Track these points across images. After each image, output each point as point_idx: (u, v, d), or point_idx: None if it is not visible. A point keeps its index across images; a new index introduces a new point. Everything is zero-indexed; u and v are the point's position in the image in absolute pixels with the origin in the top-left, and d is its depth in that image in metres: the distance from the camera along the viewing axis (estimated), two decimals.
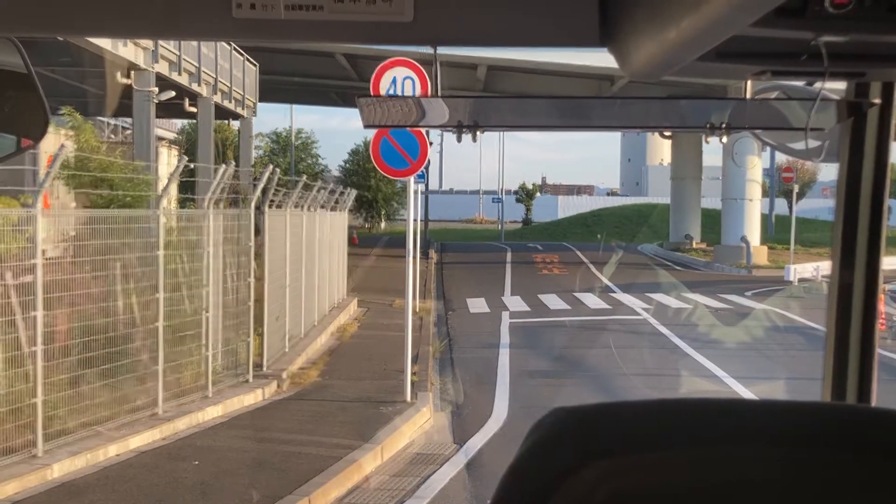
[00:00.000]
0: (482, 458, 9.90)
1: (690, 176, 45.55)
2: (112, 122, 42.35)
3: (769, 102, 1.69)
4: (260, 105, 33.91)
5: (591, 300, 24.12)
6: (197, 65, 24.42)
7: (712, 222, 43.06)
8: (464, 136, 1.72)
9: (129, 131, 35.19)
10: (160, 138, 32.41)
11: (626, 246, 45.35)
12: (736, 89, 1.77)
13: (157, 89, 21.37)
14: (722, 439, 0.86)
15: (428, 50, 1.58)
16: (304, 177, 18.59)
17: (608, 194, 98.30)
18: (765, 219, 43.96)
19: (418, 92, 11.59)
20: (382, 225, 59.96)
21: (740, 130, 1.83)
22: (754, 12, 0.95)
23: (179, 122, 45.88)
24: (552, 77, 37.29)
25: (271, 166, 13.87)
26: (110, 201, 13.48)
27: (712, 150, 66.36)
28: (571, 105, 1.91)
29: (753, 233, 37.67)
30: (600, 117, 1.96)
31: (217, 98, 27.37)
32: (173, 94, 23.33)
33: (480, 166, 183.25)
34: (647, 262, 38.01)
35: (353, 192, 27.51)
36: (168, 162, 28.13)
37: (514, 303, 23.85)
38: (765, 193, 47.06)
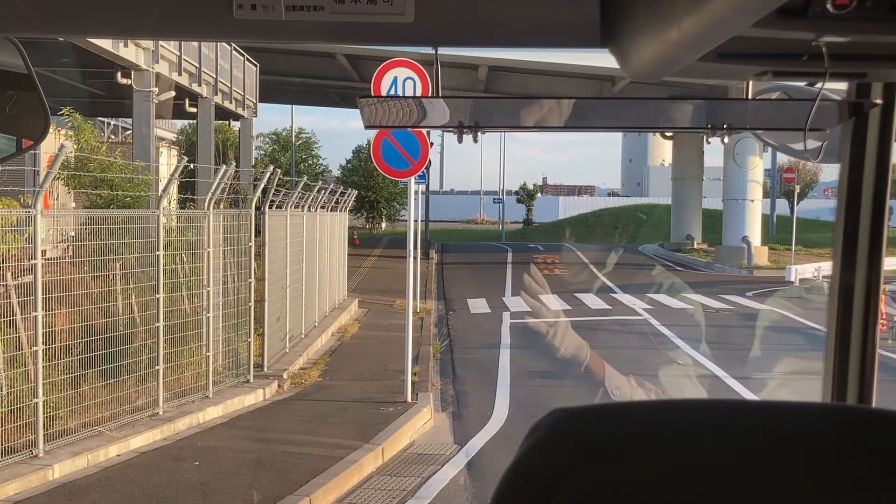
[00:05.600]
0: (483, 459, 9.90)
1: (691, 176, 45.54)
2: (112, 122, 42.37)
3: (770, 103, 1.69)
4: (260, 105, 33.91)
5: (592, 300, 24.12)
6: (197, 65, 24.42)
7: (713, 223, 43.07)
8: (464, 136, 1.72)
9: (128, 131, 35.20)
10: (160, 139, 32.40)
11: (627, 246, 45.37)
12: (737, 90, 1.77)
13: (157, 89, 21.36)
14: (722, 440, 0.86)
15: (429, 50, 1.58)
16: (305, 177, 18.59)
17: (609, 195, 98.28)
18: (766, 219, 43.98)
19: (419, 92, 11.59)
20: (383, 225, 59.98)
21: (741, 131, 1.82)
22: (755, 13, 0.95)
23: (179, 123, 45.88)
24: (553, 77, 37.28)
25: (271, 167, 13.87)
26: (110, 201, 13.48)
27: (713, 150, 66.39)
28: (572, 105, 1.90)
29: (754, 233, 37.67)
30: (601, 118, 1.96)
31: (217, 98, 27.36)
32: (173, 94, 23.32)
33: (481, 167, 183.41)
34: (647, 262, 38.02)
35: (354, 193, 27.52)
36: (168, 162, 28.14)
37: (515, 303, 23.84)
38: (766, 194, 47.08)
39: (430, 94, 1.79)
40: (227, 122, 40.63)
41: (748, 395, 12.15)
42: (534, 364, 15.55)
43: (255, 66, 32.24)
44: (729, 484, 0.83)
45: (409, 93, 11.53)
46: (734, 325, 20.46)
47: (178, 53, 22.73)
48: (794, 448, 0.85)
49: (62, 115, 15.23)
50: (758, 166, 39.03)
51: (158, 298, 10.94)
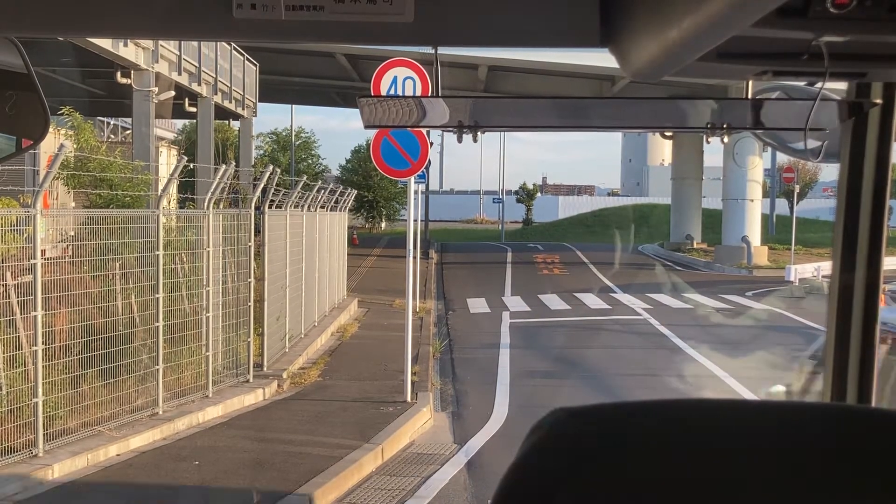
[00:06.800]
0: (482, 459, 9.89)
1: (691, 176, 45.52)
2: (112, 121, 42.37)
3: (770, 103, 1.69)
4: (260, 105, 33.89)
5: (592, 300, 24.12)
6: (197, 65, 24.42)
7: (713, 222, 43.06)
8: (464, 136, 1.72)
9: (128, 131, 35.19)
10: (160, 138, 32.40)
11: (627, 246, 45.38)
12: (737, 89, 1.77)
13: (156, 89, 21.37)
14: (721, 439, 0.86)
15: (428, 50, 1.59)
16: (304, 177, 18.61)
17: (609, 194, 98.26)
18: (765, 219, 43.96)
19: (419, 92, 11.59)
20: (383, 225, 59.97)
21: (741, 130, 1.83)
22: (755, 12, 0.95)
23: (179, 123, 45.87)
24: (553, 77, 37.26)
25: (271, 166, 13.87)
26: (110, 201, 13.48)
27: (713, 150, 66.37)
28: (572, 105, 1.91)
29: (754, 233, 37.66)
30: (601, 117, 1.96)
31: (217, 98, 27.35)
32: (173, 94, 23.32)
33: (481, 167, 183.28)
34: (647, 262, 38.01)
35: (353, 193, 27.53)
36: (168, 162, 28.12)
37: (515, 303, 23.84)
38: (765, 194, 47.05)
39: (429, 94, 1.79)
40: (227, 122, 40.61)
41: (748, 395, 12.15)
42: (533, 364, 15.56)
43: (255, 65, 32.23)
44: (729, 483, 0.83)
45: (409, 92, 11.53)
46: (734, 325, 20.47)
47: (178, 53, 22.72)
48: (794, 448, 0.85)
49: (62, 114, 15.23)
50: (757, 166, 39.01)
51: (158, 298, 10.94)
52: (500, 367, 15.00)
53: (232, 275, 13.20)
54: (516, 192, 74.35)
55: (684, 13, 0.99)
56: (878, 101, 1.71)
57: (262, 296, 13.85)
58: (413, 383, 12.44)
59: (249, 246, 13.53)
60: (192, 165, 16.41)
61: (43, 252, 9.46)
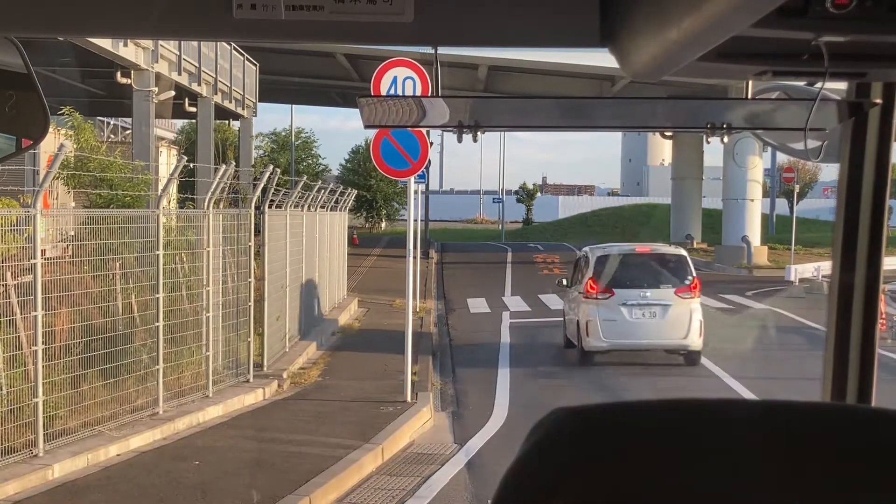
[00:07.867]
0: (482, 459, 9.89)
1: (691, 176, 45.54)
2: (112, 121, 42.35)
3: (770, 103, 1.69)
4: (260, 105, 33.88)
5: None
6: (197, 65, 24.41)
7: (713, 222, 43.07)
8: (464, 136, 1.72)
9: (128, 131, 35.18)
10: (160, 138, 32.38)
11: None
12: (737, 89, 1.77)
13: (156, 89, 21.36)
14: (721, 439, 0.86)
15: (428, 50, 1.59)
16: (304, 177, 18.61)
17: (609, 194, 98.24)
18: (765, 219, 43.96)
19: (419, 92, 11.59)
20: (383, 225, 59.96)
21: (741, 130, 1.83)
22: (755, 12, 0.95)
23: (179, 123, 45.84)
24: (553, 77, 37.27)
25: (271, 166, 13.87)
26: (110, 201, 13.47)
27: (713, 150, 66.31)
28: (572, 105, 1.91)
29: (754, 233, 37.67)
30: (601, 117, 1.97)
31: (217, 98, 27.34)
32: (173, 93, 23.31)
33: (481, 166, 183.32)
34: None
35: (353, 193, 27.52)
36: (168, 162, 28.13)
37: (515, 303, 23.84)
38: (765, 193, 47.07)
39: (429, 94, 1.80)
40: (227, 122, 40.60)
41: (748, 395, 12.15)
42: (533, 364, 15.56)
43: (255, 65, 32.22)
44: (729, 483, 0.83)
45: (408, 92, 11.53)
46: (734, 325, 20.46)
47: (178, 53, 22.71)
48: (794, 448, 0.85)
49: (62, 114, 15.22)
50: (757, 166, 39.03)
51: (158, 298, 10.94)
52: (501, 366, 15.00)
53: (232, 275, 13.20)
54: (516, 192, 74.33)
55: (684, 13, 0.99)
56: (878, 101, 1.71)
57: (263, 295, 13.85)
58: (413, 383, 12.43)
59: (249, 246, 13.54)
60: (192, 165, 16.43)
61: (43, 252, 9.46)
